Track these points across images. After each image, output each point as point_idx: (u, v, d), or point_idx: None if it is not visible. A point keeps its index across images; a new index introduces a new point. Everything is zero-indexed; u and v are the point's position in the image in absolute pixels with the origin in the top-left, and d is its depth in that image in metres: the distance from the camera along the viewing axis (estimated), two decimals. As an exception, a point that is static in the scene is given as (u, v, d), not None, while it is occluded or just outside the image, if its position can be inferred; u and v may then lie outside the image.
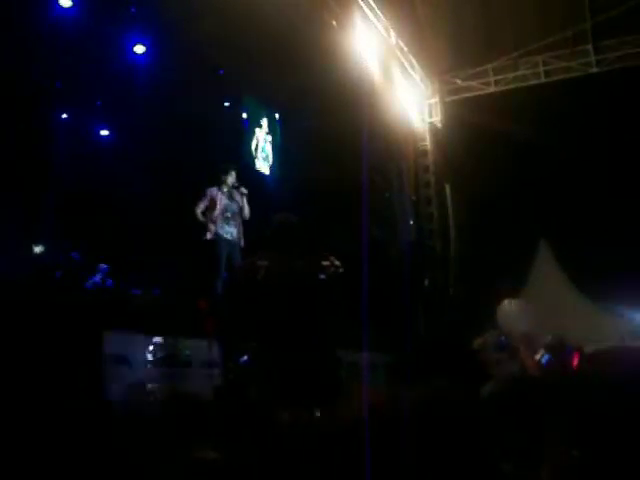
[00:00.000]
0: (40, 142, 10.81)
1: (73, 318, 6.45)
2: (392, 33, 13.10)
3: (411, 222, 15.58)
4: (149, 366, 7.34)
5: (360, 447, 2.27)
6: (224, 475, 3.46)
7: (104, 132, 12.35)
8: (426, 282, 14.39)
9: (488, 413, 2.85)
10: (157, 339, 7.59)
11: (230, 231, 9.77)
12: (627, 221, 13.29)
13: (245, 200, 9.74)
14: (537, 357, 6.48)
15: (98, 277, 10.13)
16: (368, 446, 2.18)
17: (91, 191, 11.10)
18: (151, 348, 7.54)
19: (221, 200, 9.68)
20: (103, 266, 10.47)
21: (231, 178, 9.82)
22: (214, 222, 9.62)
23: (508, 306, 7.64)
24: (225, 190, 9.74)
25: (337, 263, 5.63)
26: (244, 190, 9.73)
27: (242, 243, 9.78)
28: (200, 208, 9.52)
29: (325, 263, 5.56)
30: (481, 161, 13.90)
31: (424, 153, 15.77)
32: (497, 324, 7.77)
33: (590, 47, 13.60)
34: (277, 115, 14.13)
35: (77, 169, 11.12)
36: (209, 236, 9.57)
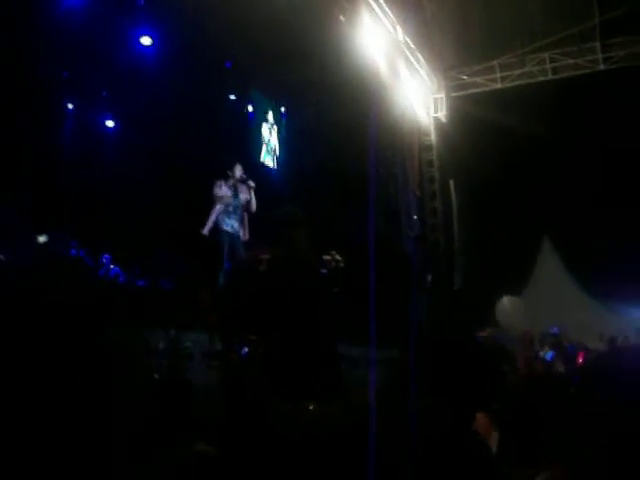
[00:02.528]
0: (46, 132, 10.82)
1: (80, 312, 6.49)
2: (399, 29, 13.09)
3: (415, 217, 15.57)
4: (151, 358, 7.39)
5: (360, 444, 2.29)
6: (222, 468, 3.50)
7: (110, 123, 12.34)
8: (429, 278, 14.39)
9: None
10: (160, 331, 7.64)
11: (231, 224, 9.78)
12: (632, 219, 13.29)
13: (252, 193, 9.76)
14: (541, 353, 6.50)
15: (103, 270, 10.15)
16: (372, 443, 2.21)
17: (96, 182, 11.12)
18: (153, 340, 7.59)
19: (225, 193, 9.70)
20: (106, 256, 10.50)
21: (237, 171, 9.84)
22: (215, 215, 9.66)
23: (507, 303, 7.67)
24: (230, 183, 9.76)
25: (338, 258, 5.64)
26: (252, 183, 9.75)
27: (246, 236, 9.80)
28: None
29: (327, 257, 5.57)
30: (485, 157, 13.91)
31: (429, 148, 15.77)
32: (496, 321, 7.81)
33: (597, 44, 13.55)
34: (283, 108, 14.15)
35: (83, 159, 11.14)
36: (205, 231, 9.60)
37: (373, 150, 9.32)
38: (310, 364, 4.86)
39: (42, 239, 9.72)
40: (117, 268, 10.40)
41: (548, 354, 6.38)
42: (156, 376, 7.23)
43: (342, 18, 11.51)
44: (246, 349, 5.44)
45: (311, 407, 3.79)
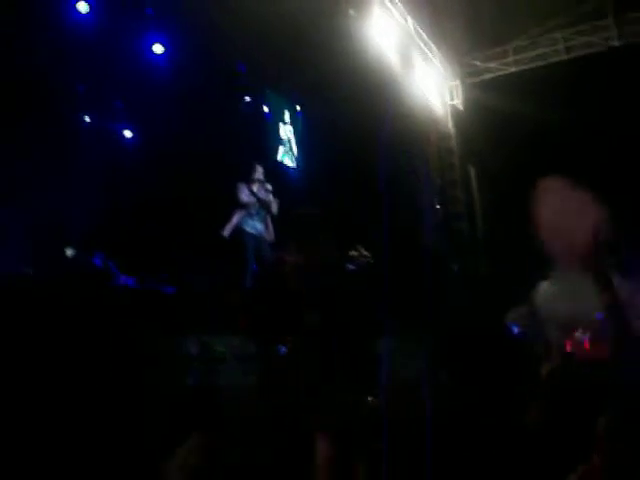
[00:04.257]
0: (64, 146, 10.88)
1: (108, 320, 6.52)
2: (409, 19, 13.05)
3: (437, 206, 15.53)
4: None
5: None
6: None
7: (127, 133, 12.39)
8: (455, 267, 14.35)
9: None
10: (191, 336, 7.66)
11: (254, 225, 9.84)
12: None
13: (271, 196, 9.82)
14: (577, 334, 6.43)
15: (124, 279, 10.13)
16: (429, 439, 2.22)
17: (117, 191, 11.17)
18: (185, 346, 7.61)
19: (250, 199, 9.76)
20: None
21: (259, 173, 9.89)
22: (237, 219, 9.70)
23: (546, 287, 7.53)
24: (253, 186, 9.81)
25: (365, 253, 5.65)
26: (269, 186, 9.81)
27: (272, 236, 9.84)
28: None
29: (353, 253, 5.58)
30: (504, 142, 13.82)
31: (447, 136, 15.71)
32: (531, 303, 7.72)
33: (611, 20, 13.42)
34: (299, 107, 14.14)
35: (102, 170, 11.19)
36: (226, 232, 9.65)
37: (384, 143, 9.29)
38: (351, 361, 4.85)
39: (69, 252, 9.78)
40: (131, 277, 10.34)
41: (584, 336, 6.31)
42: (190, 382, 7.29)
43: (352, 12, 11.49)
44: (284, 349, 5.43)
45: (370, 399, 3.80)
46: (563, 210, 3.62)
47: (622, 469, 2.31)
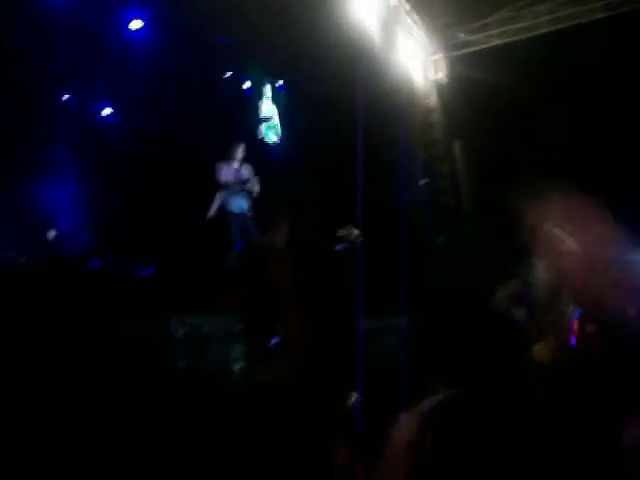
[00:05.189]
0: (43, 125, 10.72)
1: (92, 304, 6.43)
2: (392, -9, 12.87)
3: (422, 181, 15.43)
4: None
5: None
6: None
7: (106, 111, 12.20)
8: (441, 242, 14.29)
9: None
10: (177, 318, 7.59)
11: (238, 204, 9.75)
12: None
13: (252, 176, 9.74)
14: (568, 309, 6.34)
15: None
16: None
17: (98, 170, 11.03)
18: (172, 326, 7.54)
19: (229, 178, 9.66)
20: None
21: (239, 152, 9.78)
22: (220, 199, 9.61)
23: (540, 264, 7.41)
24: (233, 165, 9.70)
25: (356, 232, 5.56)
26: (249, 167, 9.75)
27: (254, 215, 9.78)
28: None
29: (343, 232, 5.50)
30: (488, 115, 13.72)
31: (430, 110, 15.57)
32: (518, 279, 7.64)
33: (594, -8, 13.30)
34: (281, 82, 13.96)
35: (83, 149, 11.05)
36: (210, 215, 9.56)
37: (360, 119, 9.15)
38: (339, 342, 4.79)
39: (52, 234, 9.65)
40: (113, 258, 10.18)
41: (576, 311, 6.20)
42: (179, 364, 7.22)
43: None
44: (276, 339, 5.37)
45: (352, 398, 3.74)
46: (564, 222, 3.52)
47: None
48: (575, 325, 6.31)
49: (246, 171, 9.88)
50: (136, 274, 9.63)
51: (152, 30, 11.35)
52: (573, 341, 6.33)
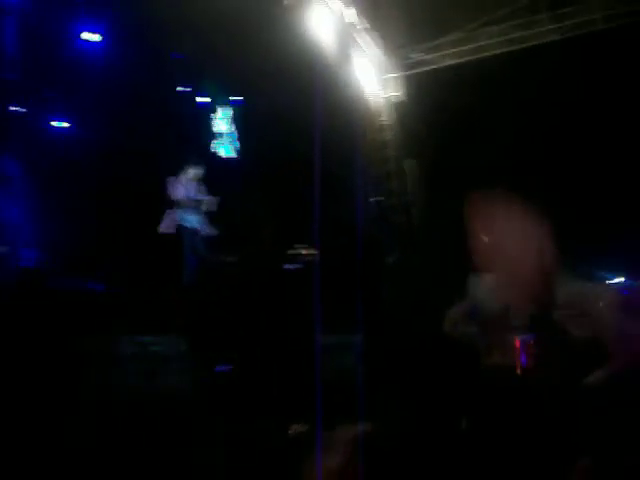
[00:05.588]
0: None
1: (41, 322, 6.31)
2: (346, 10, 12.92)
3: (373, 199, 15.51)
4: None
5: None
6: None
7: (58, 123, 12.03)
8: (390, 259, 14.33)
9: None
10: (127, 336, 7.49)
11: (190, 220, 9.69)
12: (598, 185, 13.35)
13: (206, 195, 9.71)
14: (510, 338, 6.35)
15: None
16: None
17: (48, 182, 10.86)
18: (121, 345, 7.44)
19: (181, 195, 9.61)
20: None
21: (191, 173, 9.75)
22: (173, 214, 9.54)
23: (479, 279, 7.42)
24: (186, 180, 9.66)
25: (310, 252, 5.56)
26: (202, 183, 9.73)
27: (210, 231, 9.71)
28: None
29: (295, 253, 5.49)
30: (442, 134, 13.86)
31: (384, 128, 15.66)
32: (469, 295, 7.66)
33: (546, 16, 13.53)
34: (236, 98, 13.94)
35: (33, 161, 10.86)
36: (162, 229, 9.49)
37: (318, 136, 9.17)
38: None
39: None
40: (63, 275, 10.00)
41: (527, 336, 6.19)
42: (128, 383, 7.10)
43: (286, 2, 11.29)
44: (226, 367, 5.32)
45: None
46: (504, 233, 3.54)
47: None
48: (520, 343, 6.34)
49: (200, 187, 9.82)
50: (87, 290, 9.48)
51: (105, 43, 11.25)
52: (523, 359, 6.34)
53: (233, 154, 13.56)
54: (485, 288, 7.83)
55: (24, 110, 11.22)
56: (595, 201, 13.33)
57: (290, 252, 5.43)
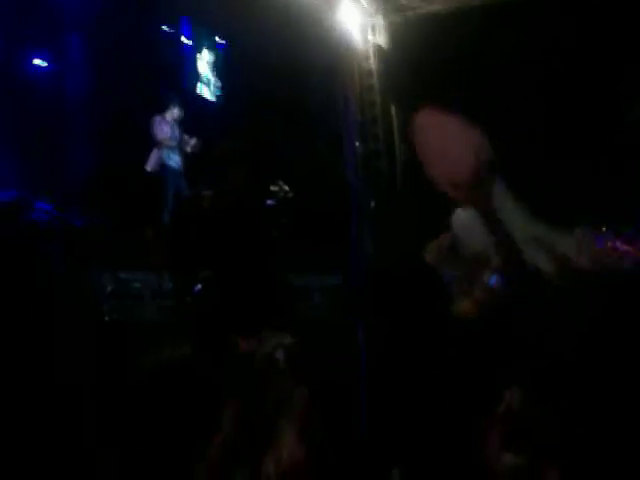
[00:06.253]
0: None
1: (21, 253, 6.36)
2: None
3: (357, 143, 15.46)
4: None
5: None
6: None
7: (39, 62, 11.88)
8: (372, 204, 14.36)
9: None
10: (107, 273, 7.56)
11: (176, 159, 9.75)
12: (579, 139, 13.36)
13: (186, 136, 9.76)
14: (484, 278, 6.36)
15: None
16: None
17: (30, 124, 10.83)
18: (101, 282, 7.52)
19: (166, 135, 9.64)
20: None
21: (175, 109, 9.76)
22: (159, 152, 9.56)
23: (462, 214, 7.35)
24: (169, 119, 9.67)
25: (286, 188, 5.61)
26: (183, 123, 9.77)
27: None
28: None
29: (274, 188, 5.53)
30: (427, 80, 13.80)
31: (369, 73, 15.56)
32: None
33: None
34: (218, 39, 13.82)
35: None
36: (149, 167, 9.51)
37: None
38: (262, 295, 4.85)
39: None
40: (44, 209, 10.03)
41: (492, 278, 6.19)
42: (106, 318, 7.20)
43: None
44: (199, 286, 5.40)
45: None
46: (441, 138, 3.59)
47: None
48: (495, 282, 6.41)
49: (181, 128, 9.85)
50: (70, 225, 9.52)
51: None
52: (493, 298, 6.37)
53: (214, 96, 13.50)
54: (467, 222, 7.85)
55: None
56: (581, 145, 13.33)
57: (270, 188, 5.48)
